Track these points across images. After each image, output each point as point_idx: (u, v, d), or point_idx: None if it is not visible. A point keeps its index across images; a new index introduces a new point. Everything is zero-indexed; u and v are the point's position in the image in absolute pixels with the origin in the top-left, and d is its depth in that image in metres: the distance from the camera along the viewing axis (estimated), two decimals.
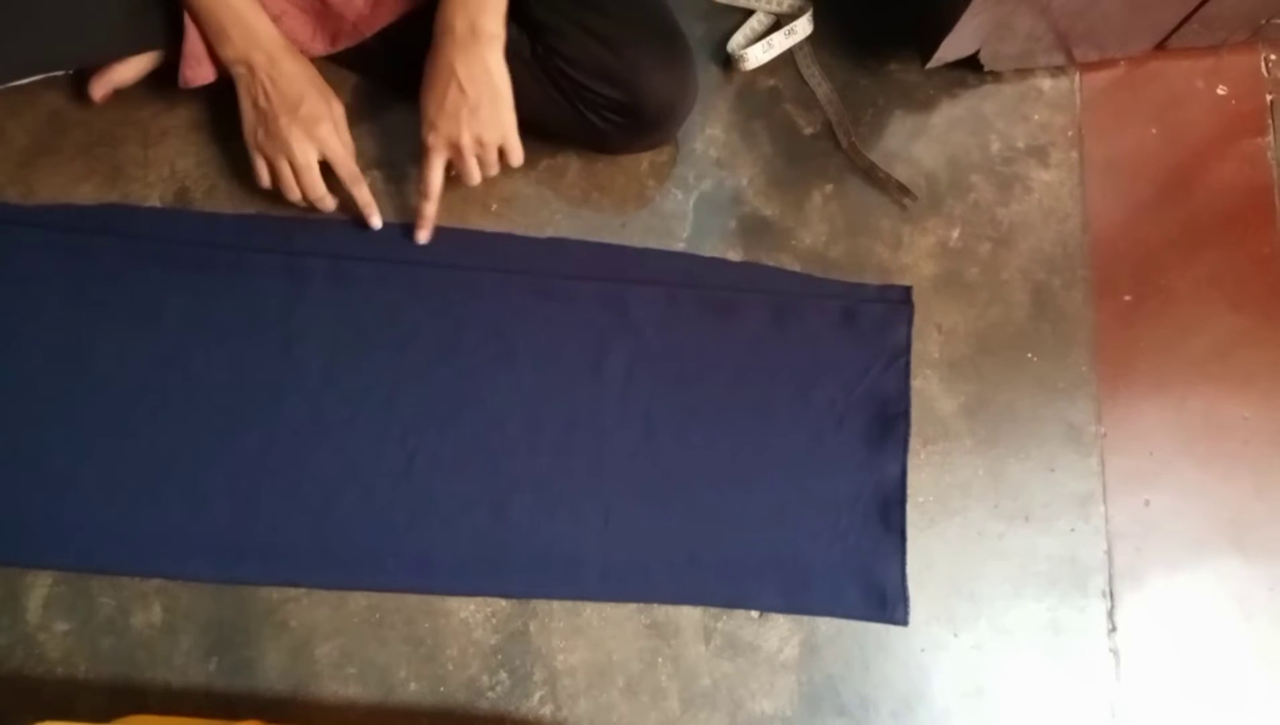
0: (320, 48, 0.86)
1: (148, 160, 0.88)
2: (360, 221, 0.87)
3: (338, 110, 0.83)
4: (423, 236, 0.87)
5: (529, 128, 0.90)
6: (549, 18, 0.82)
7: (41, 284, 0.84)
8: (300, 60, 0.82)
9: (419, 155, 0.83)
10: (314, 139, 0.81)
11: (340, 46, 0.86)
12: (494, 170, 0.84)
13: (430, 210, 0.86)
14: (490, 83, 0.78)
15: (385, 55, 0.89)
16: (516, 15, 0.84)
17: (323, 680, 0.79)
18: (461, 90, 0.78)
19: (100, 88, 0.85)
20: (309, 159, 0.82)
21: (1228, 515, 0.90)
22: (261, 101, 0.80)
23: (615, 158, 0.93)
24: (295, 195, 0.83)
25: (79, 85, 0.87)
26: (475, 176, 0.83)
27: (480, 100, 0.78)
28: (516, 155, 0.83)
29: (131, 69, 0.85)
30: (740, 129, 0.95)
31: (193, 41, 0.80)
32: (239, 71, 0.80)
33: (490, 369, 0.85)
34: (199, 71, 0.82)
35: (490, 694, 0.80)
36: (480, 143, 0.80)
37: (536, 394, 0.85)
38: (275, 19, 0.83)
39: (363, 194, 0.85)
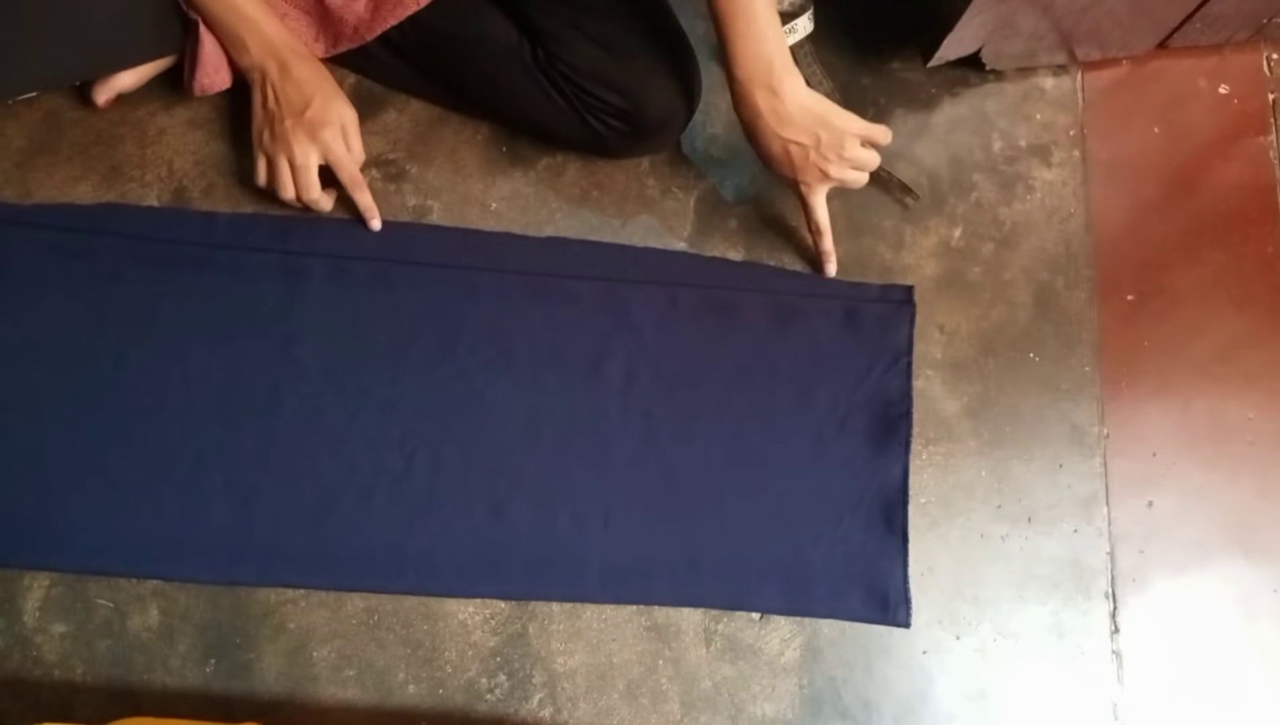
0: (321, 50, 0.86)
1: (145, 160, 0.88)
2: (360, 221, 0.87)
3: (348, 116, 0.83)
4: (830, 269, 0.89)
5: (529, 130, 0.90)
6: (551, 23, 0.82)
7: (39, 284, 0.83)
8: (313, 65, 0.82)
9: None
10: (316, 141, 0.81)
11: (341, 49, 0.86)
12: (871, 162, 0.83)
13: (827, 244, 0.88)
14: (807, 116, 0.78)
15: (386, 58, 0.88)
16: (517, 19, 0.84)
17: (320, 683, 0.79)
18: (797, 144, 0.79)
19: (104, 93, 0.85)
20: (308, 161, 0.81)
21: (1232, 517, 0.90)
22: (270, 103, 0.81)
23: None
24: (289, 194, 0.83)
25: (77, 86, 0.87)
26: (862, 181, 0.84)
27: (815, 138, 0.79)
28: (877, 133, 0.82)
29: (135, 75, 0.85)
30: (741, 128, 0.95)
31: (209, 49, 0.81)
32: (254, 77, 0.81)
33: (490, 369, 0.85)
34: (215, 79, 0.83)
35: (489, 697, 0.80)
36: (843, 160, 0.80)
37: (536, 394, 0.85)
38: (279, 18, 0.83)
39: (363, 199, 0.85)
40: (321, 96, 0.81)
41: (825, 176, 0.81)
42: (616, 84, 0.82)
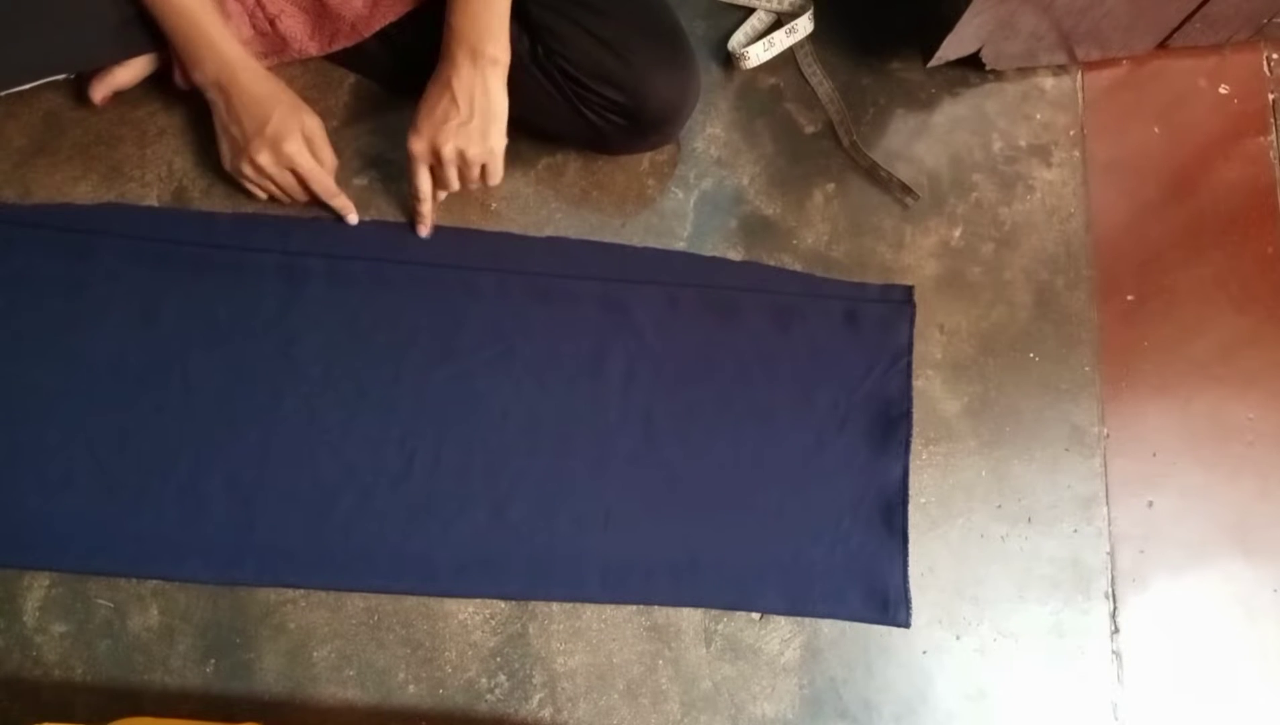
0: (317, 47, 0.86)
1: (145, 159, 0.88)
2: (360, 222, 0.87)
3: (311, 124, 0.83)
4: (423, 231, 0.88)
5: (529, 128, 0.90)
6: (550, 18, 0.82)
7: (38, 284, 0.83)
8: (269, 79, 0.82)
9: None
10: (281, 157, 0.81)
11: (338, 46, 0.86)
12: (472, 186, 0.84)
13: (426, 210, 0.86)
14: (486, 103, 0.79)
15: (383, 55, 0.88)
16: (518, 15, 0.84)
17: (320, 683, 0.79)
18: (454, 102, 0.78)
19: (100, 90, 0.85)
20: (285, 178, 0.82)
21: (1231, 517, 0.90)
22: (233, 128, 0.81)
23: (615, 157, 0.92)
24: (299, 198, 0.84)
25: (75, 85, 0.87)
26: (453, 186, 0.84)
27: (471, 116, 0.79)
28: (496, 177, 0.84)
29: (131, 71, 0.85)
30: (741, 128, 0.95)
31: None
32: (211, 97, 0.81)
33: (489, 369, 0.85)
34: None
35: (489, 697, 0.80)
36: (463, 156, 0.80)
37: (536, 394, 0.85)
38: (273, 19, 0.83)
39: (339, 202, 0.86)
40: (281, 109, 0.81)
41: (437, 149, 0.80)
42: (616, 80, 0.82)
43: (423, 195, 0.84)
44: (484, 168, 0.82)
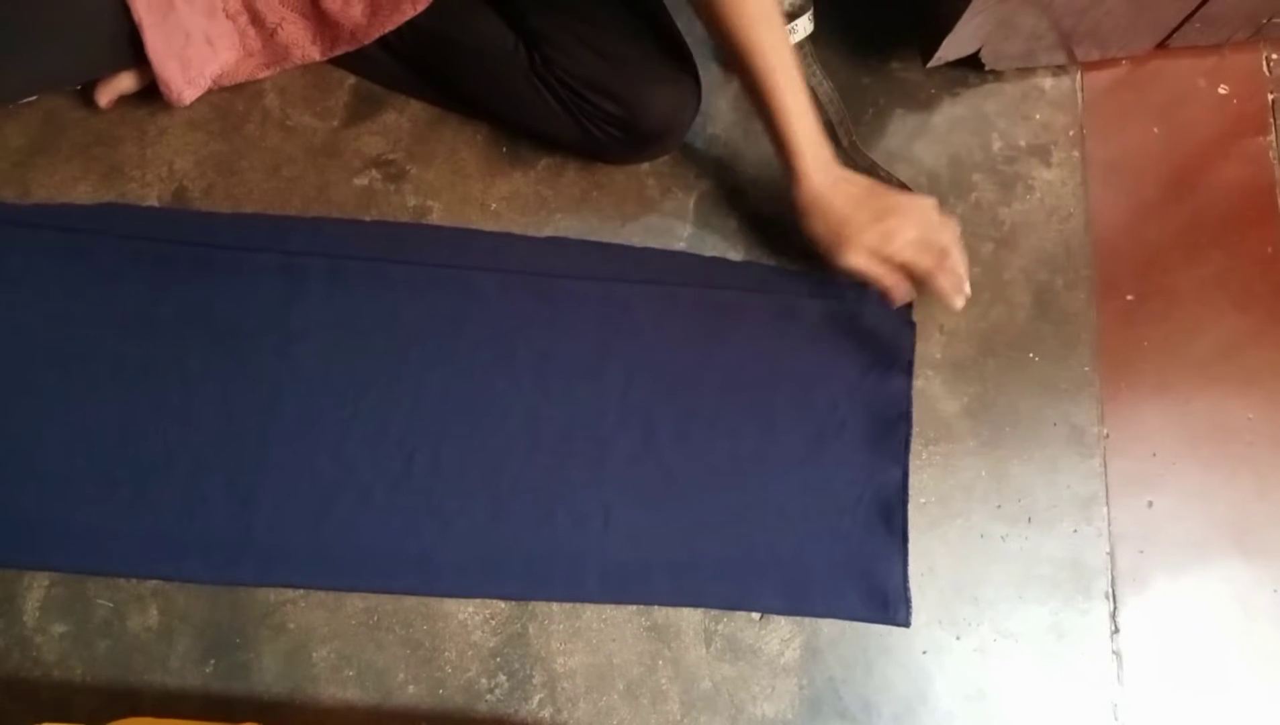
0: (319, 52, 0.86)
1: (145, 159, 0.88)
2: (360, 221, 0.86)
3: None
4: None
5: (529, 134, 0.90)
6: (548, 28, 0.82)
7: (38, 284, 0.83)
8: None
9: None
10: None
11: (339, 51, 0.86)
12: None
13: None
14: (864, 192, 0.81)
15: (384, 60, 0.89)
16: (515, 23, 0.84)
17: (320, 683, 0.79)
18: (880, 220, 0.79)
19: (106, 94, 0.85)
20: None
21: (1231, 517, 0.90)
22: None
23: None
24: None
25: (78, 87, 0.87)
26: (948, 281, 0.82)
27: (886, 214, 0.80)
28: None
29: (135, 76, 0.85)
30: (741, 128, 0.95)
31: (163, 72, 0.80)
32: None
33: (489, 369, 0.85)
34: (186, 91, 0.83)
35: (489, 697, 0.79)
36: (922, 244, 0.80)
37: (536, 394, 0.85)
38: (273, 29, 0.83)
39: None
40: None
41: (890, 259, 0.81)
42: (614, 92, 0.82)
43: (905, 293, 0.83)
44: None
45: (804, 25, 0.95)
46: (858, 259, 0.80)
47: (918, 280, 0.82)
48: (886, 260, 0.80)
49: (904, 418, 0.88)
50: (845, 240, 0.80)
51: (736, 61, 0.78)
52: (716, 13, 0.75)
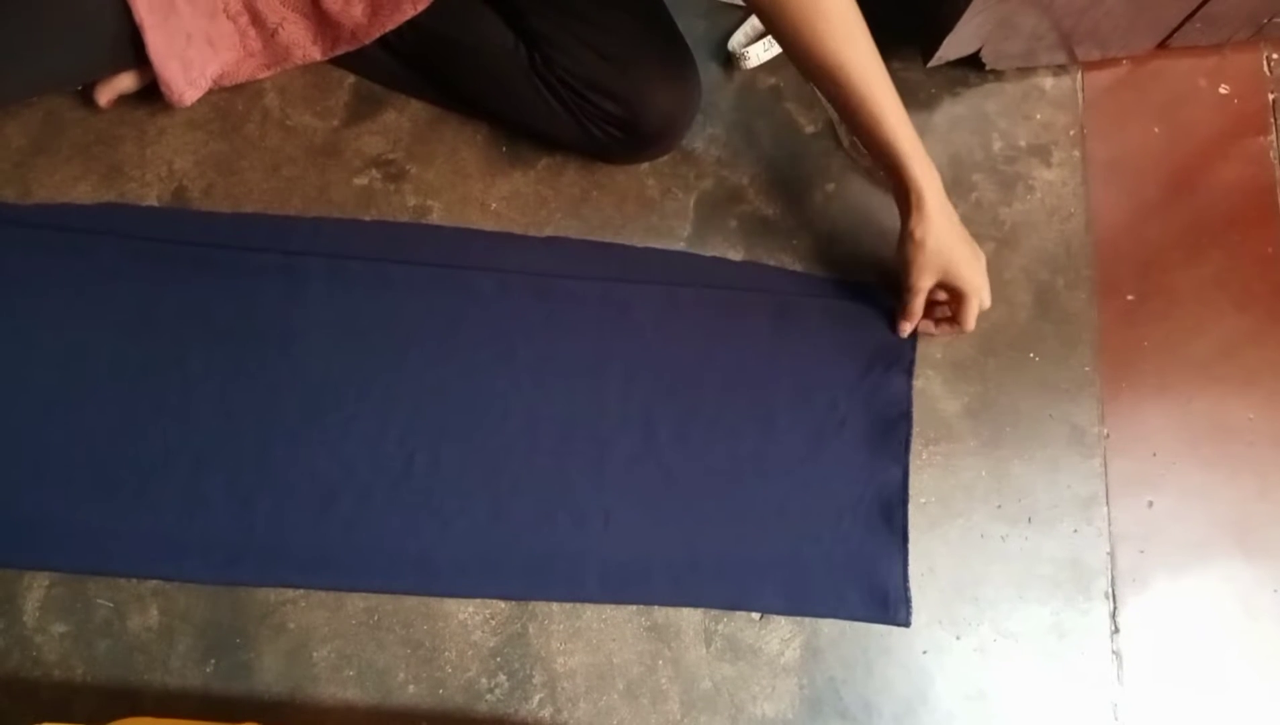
0: (319, 53, 0.86)
1: (145, 159, 0.88)
2: (360, 221, 0.86)
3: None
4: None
5: (530, 134, 0.90)
6: (548, 27, 0.82)
7: (38, 283, 0.83)
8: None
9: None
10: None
11: (339, 51, 0.86)
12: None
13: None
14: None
15: (384, 59, 0.89)
16: (515, 23, 0.84)
17: (320, 683, 0.79)
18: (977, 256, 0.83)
19: (106, 94, 0.85)
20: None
21: (1231, 517, 0.90)
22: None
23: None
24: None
25: (78, 87, 0.87)
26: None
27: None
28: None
29: (135, 76, 0.85)
30: (741, 128, 0.95)
31: (164, 73, 0.80)
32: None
33: (489, 369, 0.85)
34: (187, 92, 0.82)
35: (489, 697, 0.79)
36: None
37: (536, 394, 0.85)
38: (274, 29, 0.83)
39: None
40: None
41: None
42: (614, 92, 0.82)
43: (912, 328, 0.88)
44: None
45: None
46: (926, 289, 0.83)
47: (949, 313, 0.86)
48: (948, 289, 0.84)
49: (904, 417, 0.88)
50: (942, 266, 0.82)
51: (823, 82, 0.77)
52: (802, 33, 0.73)
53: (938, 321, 0.88)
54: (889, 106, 0.76)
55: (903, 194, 0.80)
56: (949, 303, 0.86)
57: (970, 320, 0.84)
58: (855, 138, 0.94)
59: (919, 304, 0.85)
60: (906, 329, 0.88)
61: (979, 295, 0.83)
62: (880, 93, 0.75)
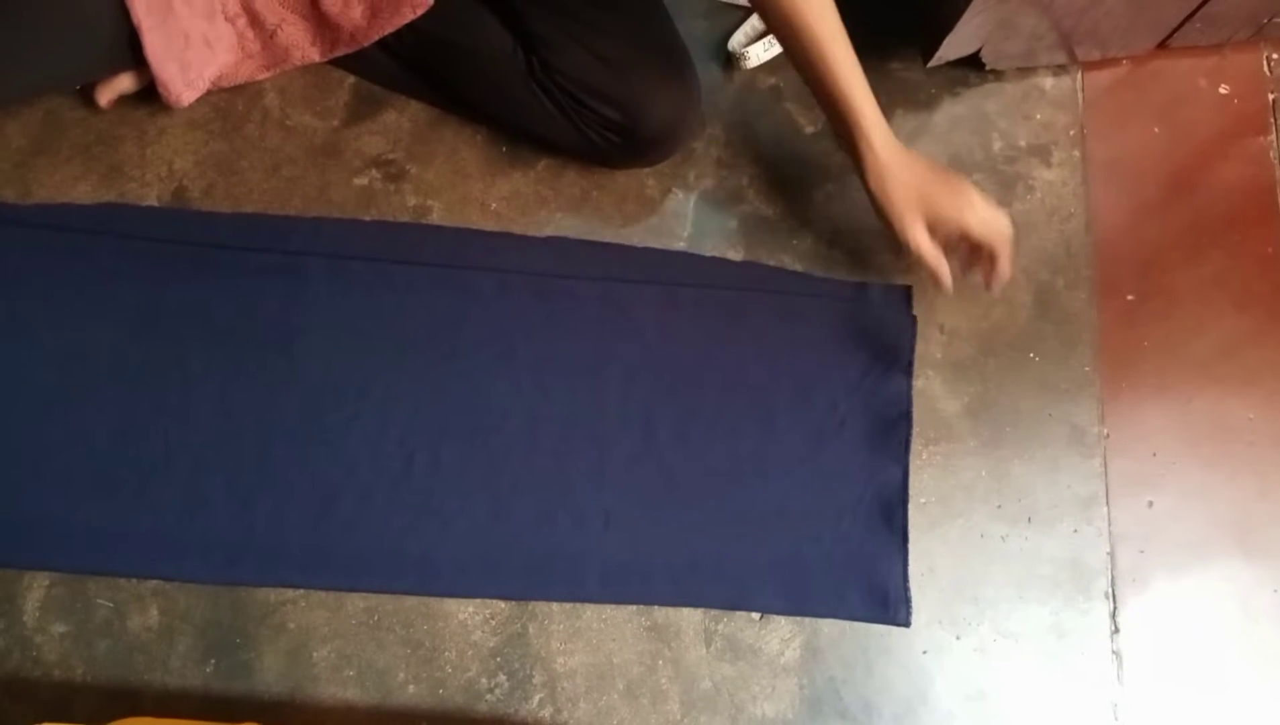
0: (318, 55, 0.86)
1: (145, 159, 0.88)
2: (360, 221, 0.86)
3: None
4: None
5: (529, 137, 0.90)
6: (546, 31, 0.81)
7: (38, 283, 0.83)
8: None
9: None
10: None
11: (338, 53, 0.86)
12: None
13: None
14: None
15: (384, 61, 0.89)
16: (514, 27, 0.84)
17: (321, 683, 0.79)
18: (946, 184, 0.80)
19: (106, 94, 0.85)
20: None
21: (1232, 517, 0.90)
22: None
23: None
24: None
25: (78, 87, 0.87)
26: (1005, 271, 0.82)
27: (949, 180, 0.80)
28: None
29: (135, 76, 0.85)
30: (741, 128, 0.95)
31: (161, 74, 0.80)
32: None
33: (489, 369, 0.85)
34: (185, 92, 0.82)
35: (489, 697, 0.79)
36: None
37: (536, 394, 0.85)
38: (273, 31, 0.83)
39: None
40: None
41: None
42: (612, 98, 0.81)
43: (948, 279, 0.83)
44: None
45: None
46: (921, 235, 0.79)
47: (978, 256, 0.82)
48: (951, 233, 0.80)
49: (904, 417, 0.88)
50: (921, 207, 0.79)
51: (785, 36, 0.77)
52: None
53: (966, 269, 0.85)
54: (843, 59, 0.76)
55: (852, 146, 0.79)
56: (973, 250, 0.83)
57: (997, 256, 0.81)
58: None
59: (928, 249, 0.80)
60: (946, 282, 0.82)
61: (981, 220, 0.79)
62: (838, 47, 0.76)
